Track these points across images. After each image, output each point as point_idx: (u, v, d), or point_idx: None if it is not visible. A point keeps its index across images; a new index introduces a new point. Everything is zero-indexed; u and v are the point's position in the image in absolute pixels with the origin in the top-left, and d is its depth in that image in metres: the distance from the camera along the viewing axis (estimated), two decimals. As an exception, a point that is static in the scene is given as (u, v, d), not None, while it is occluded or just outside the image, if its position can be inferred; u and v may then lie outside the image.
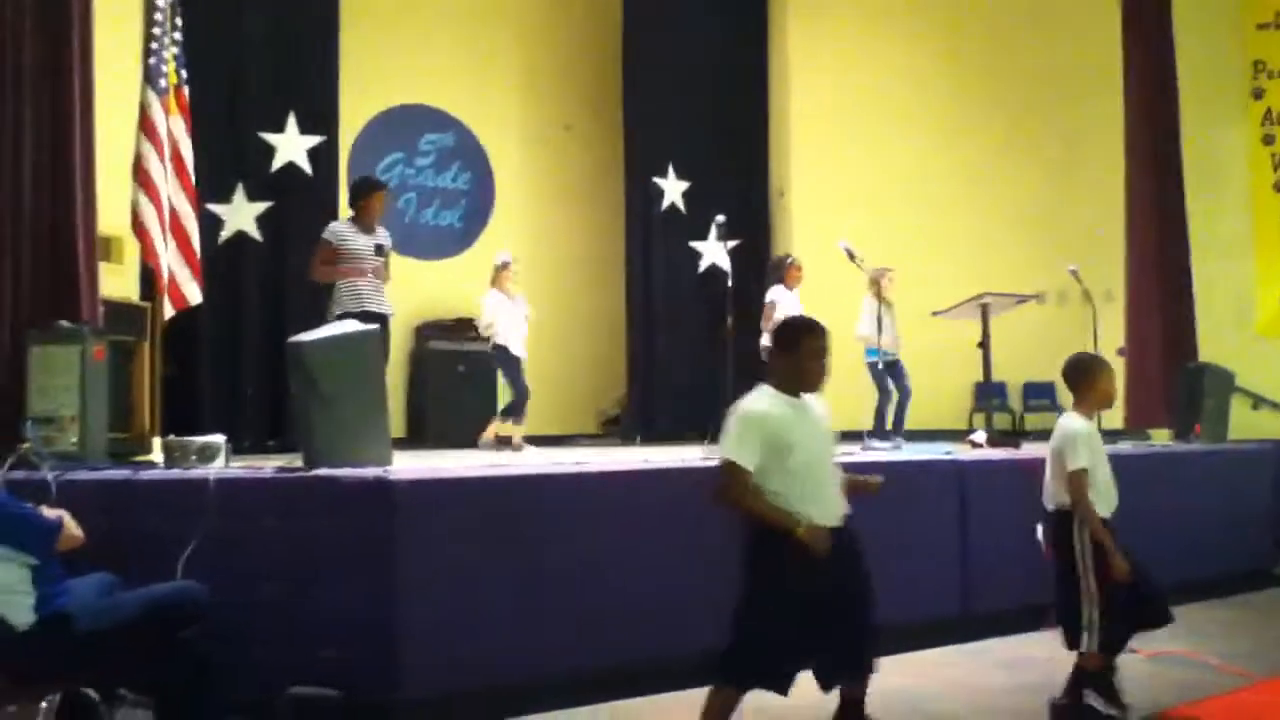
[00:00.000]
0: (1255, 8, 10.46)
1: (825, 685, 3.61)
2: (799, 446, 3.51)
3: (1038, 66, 10.65)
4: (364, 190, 7.00)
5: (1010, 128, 10.66)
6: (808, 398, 3.67)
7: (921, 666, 5.01)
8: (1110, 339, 8.89)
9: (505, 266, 8.28)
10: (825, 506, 3.54)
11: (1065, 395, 4.48)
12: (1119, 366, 8.39)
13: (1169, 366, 8.97)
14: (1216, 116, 10.27)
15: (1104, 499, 4.18)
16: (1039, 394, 10.52)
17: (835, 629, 3.51)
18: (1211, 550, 6.79)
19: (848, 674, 3.66)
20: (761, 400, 3.62)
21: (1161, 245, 9.59)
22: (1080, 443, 4.12)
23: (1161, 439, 8.46)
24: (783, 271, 8.54)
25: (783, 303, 8.33)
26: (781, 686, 3.49)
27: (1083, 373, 4.31)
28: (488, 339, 8.26)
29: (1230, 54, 10.45)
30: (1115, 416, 8.18)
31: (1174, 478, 6.85)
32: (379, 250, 6.85)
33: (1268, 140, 10.43)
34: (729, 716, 3.51)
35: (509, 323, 8.18)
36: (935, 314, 8.28)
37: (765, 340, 8.10)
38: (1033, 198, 10.49)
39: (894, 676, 4.43)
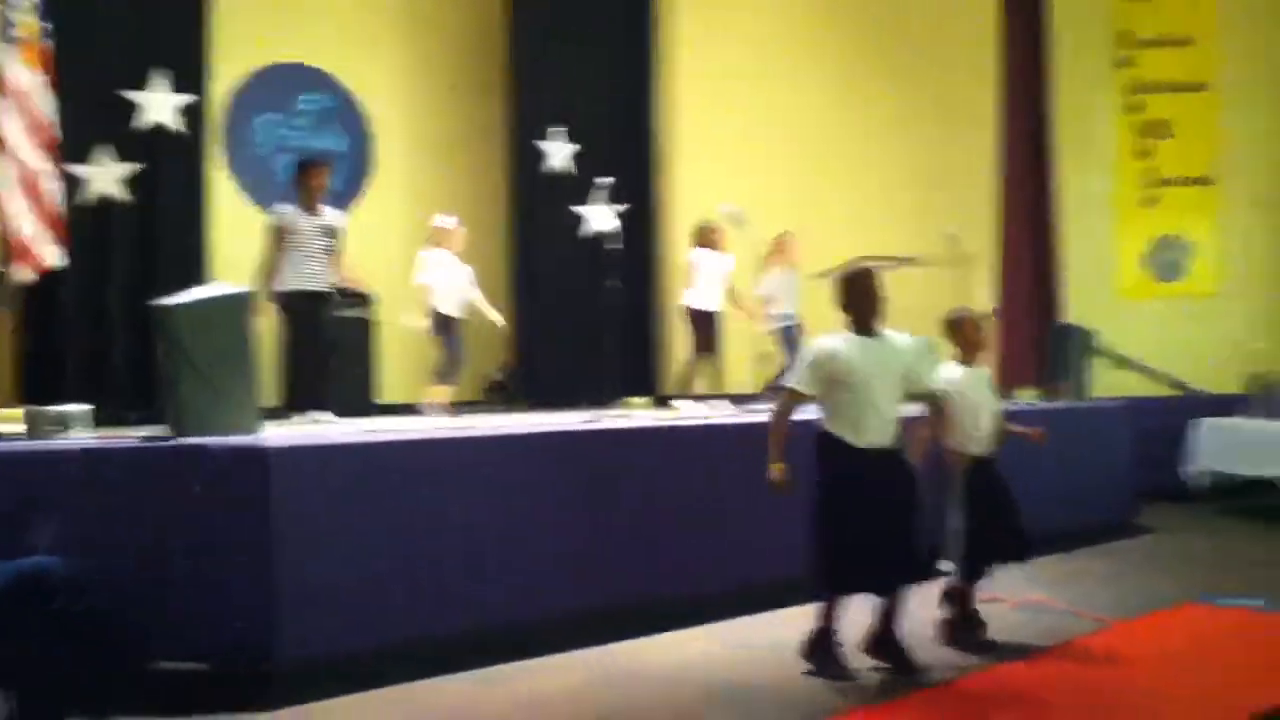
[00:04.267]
0: (1123, -21, 10.82)
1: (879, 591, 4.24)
2: (856, 377, 4.15)
3: (919, 33, 10.82)
4: (300, 168, 7.06)
5: (890, 92, 10.83)
6: (886, 336, 4.26)
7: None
8: (983, 301, 9.17)
9: (454, 228, 8.30)
10: (872, 430, 4.17)
11: (940, 354, 4.80)
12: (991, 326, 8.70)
13: (1037, 327, 9.31)
14: (1085, 84, 10.61)
15: (975, 440, 4.71)
16: (917, 355, 10.77)
17: (884, 538, 4.09)
18: (1075, 503, 7.10)
19: (896, 580, 4.21)
20: (831, 339, 4.27)
21: (1032, 209, 9.94)
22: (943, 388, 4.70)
23: (1027, 397, 8.77)
24: (707, 235, 8.53)
25: (702, 264, 8.39)
26: (865, 586, 4.20)
27: (950, 327, 4.86)
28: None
29: (1098, 23, 10.79)
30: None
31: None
32: (328, 232, 6.84)
33: (1132, 108, 10.82)
34: (834, 620, 4.25)
35: (449, 284, 8.16)
36: (819, 275, 8.42)
37: (686, 299, 8.28)
38: (912, 162, 10.68)
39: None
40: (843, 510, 4.14)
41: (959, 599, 4.77)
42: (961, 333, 4.82)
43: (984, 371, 4.90)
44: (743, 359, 8.49)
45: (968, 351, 4.80)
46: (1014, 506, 4.75)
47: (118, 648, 3.77)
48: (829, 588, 4.25)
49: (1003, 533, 4.68)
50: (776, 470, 4.21)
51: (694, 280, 8.31)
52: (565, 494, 5.03)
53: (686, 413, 7.53)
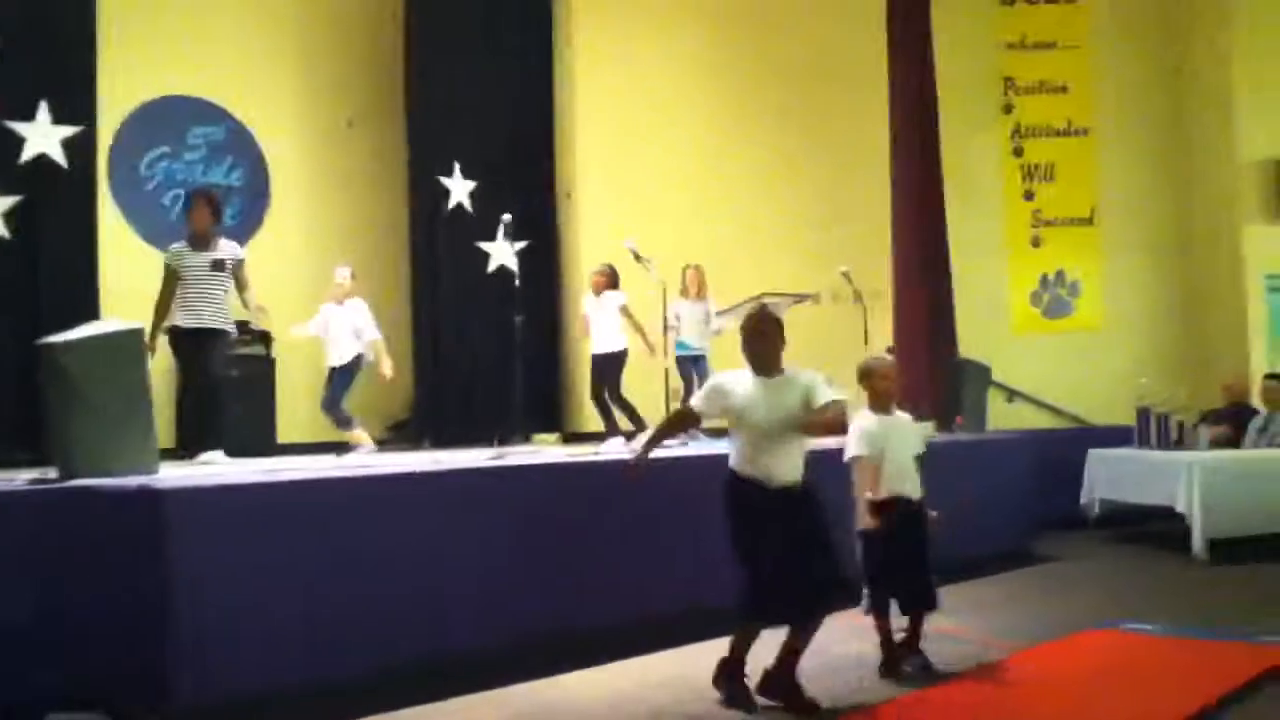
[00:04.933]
0: (1005, 29, 11.26)
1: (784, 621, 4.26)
2: (748, 415, 4.23)
3: (812, 73, 11.06)
4: (186, 204, 6.87)
5: (786, 131, 11.03)
6: (785, 375, 4.29)
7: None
8: (880, 337, 9.36)
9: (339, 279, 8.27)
10: (771, 467, 4.22)
11: (838, 390, 4.85)
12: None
13: (932, 361, 9.52)
14: (972, 128, 10.99)
15: (893, 480, 4.77)
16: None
17: (785, 572, 4.13)
18: (975, 533, 7.22)
19: (791, 617, 4.23)
20: (732, 375, 4.37)
21: (924, 247, 10.18)
22: (856, 436, 4.77)
23: (925, 431, 8.93)
24: (595, 280, 8.58)
25: (588, 310, 8.55)
26: (773, 617, 4.23)
27: (863, 375, 4.96)
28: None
29: (984, 71, 11.20)
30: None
31: (940, 466, 7.23)
32: (217, 266, 6.68)
33: (1017, 152, 11.23)
34: (743, 651, 4.29)
35: (333, 336, 8.16)
36: (716, 314, 8.55)
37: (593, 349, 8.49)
38: (808, 200, 10.90)
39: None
40: (748, 545, 4.20)
41: (879, 631, 4.80)
42: (871, 381, 4.90)
43: (901, 418, 4.95)
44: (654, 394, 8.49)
45: (881, 399, 4.88)
46: (924, 556, 4.78)
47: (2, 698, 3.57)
48: (740, 617, 4.28)
49: (914, 580, 4.74)
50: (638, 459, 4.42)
51: (586, 329, 8.50)
52: (473, 531, 4.94)
53: (607, 450, 7.50)
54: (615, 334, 8.41)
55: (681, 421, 4.62)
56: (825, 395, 4.24)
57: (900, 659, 4.80)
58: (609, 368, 8.42)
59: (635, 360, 8.48)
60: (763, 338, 4.33)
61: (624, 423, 8.32)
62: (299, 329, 8.21)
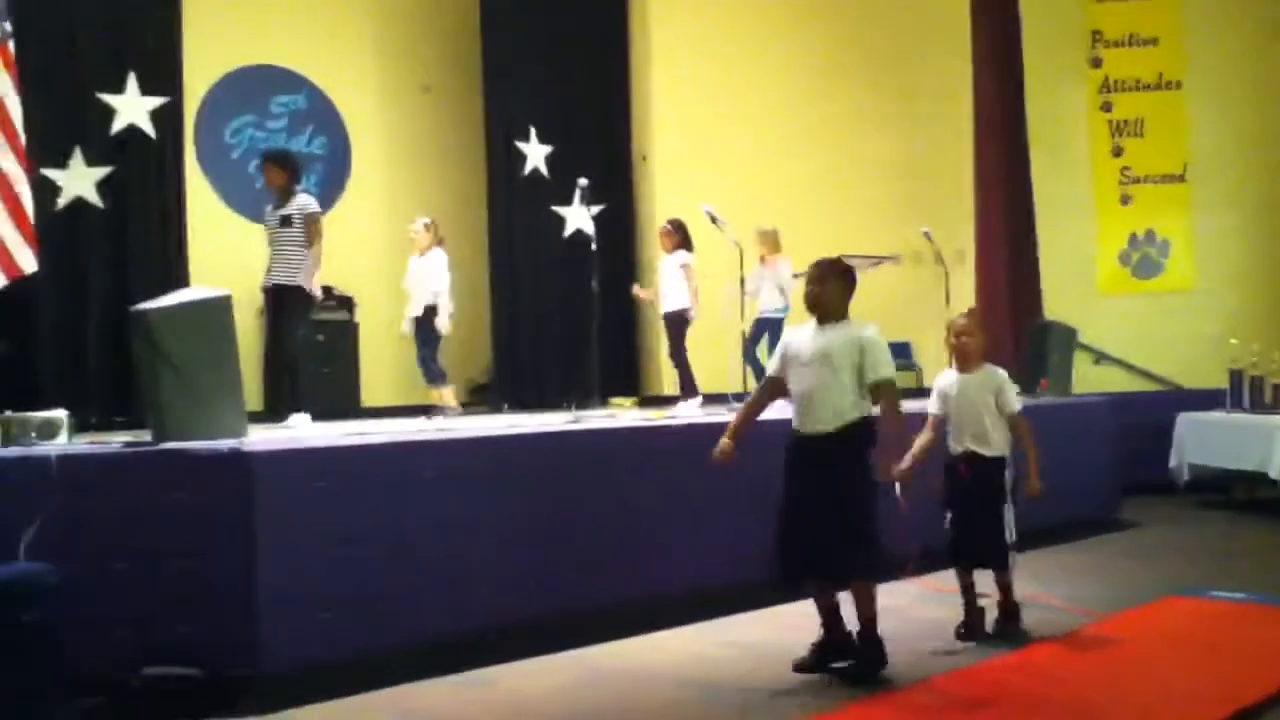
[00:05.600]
0: (1093, -20, 10.91)
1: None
2: (799, 362, 4.22)
3: (893, 31, 10.87)
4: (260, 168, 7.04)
5: (866, 92, 10.86)
6: (843, 326, 4.22)
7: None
8: (962, 298, 9.21)
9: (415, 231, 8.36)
10: (809, 415, 4.17)
11: (920, 353, 4.82)
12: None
13: (1016, 324, 9.35)
14: (1058, 84, 10.70)
15: (964, 437, 4.81)
16: (896, 353, 10.78)
17: (800, 529, 4.10)
18: (1057, 499, 7.09)
19: (812, 576, 4.21)
20: (795, 328, 4.42)
21: (1008, 207, 9.99)
22: (932, 393, 5.00)
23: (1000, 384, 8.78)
24: (663, 239, 8.62)
25: (660, 267, 8.62)
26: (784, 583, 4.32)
27: (946, 332, 5.00)
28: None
29: (1071, 24, 10.87)
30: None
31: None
32: (285, 221, 6.88)
33: (1105, 107, 10.91)
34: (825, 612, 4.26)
35: (413, 289, 8.24)
36: (795, 276, 8.44)
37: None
38: (889, 161, 10.73)
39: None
40: (780, 495, 4.19)
41: (961, 589, 4.83)
42: (947, 338, 4.99)
43: (975, 376, 4.87)
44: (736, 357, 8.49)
45: (957, 356, 4.90)
46: (995, 514, 4.70)
47: (60, 663, 3.66)
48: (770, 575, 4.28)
49: (983, 537, 4.70)
50: (721, 441, 4.28)
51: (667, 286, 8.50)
52: (551, 495, 5.00)
53: (679, 413, 7.50)
54: (677, 293, 8.40)
55: (767, 393, 4.43)
56: (879, 363, 4.15)
57: (980, 622, 4.77)
58: (671, 327, 8.43)
59: (715, 324, 8.46)
60: (815, 282, 4.27)
61: (674, 387, 8.33)
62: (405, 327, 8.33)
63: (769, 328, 8.51)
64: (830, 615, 4.25)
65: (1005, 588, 4.83)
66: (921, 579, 5.16)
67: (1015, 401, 4.85)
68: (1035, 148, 10.23)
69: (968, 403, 4.82)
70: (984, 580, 4.83)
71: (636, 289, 9.15)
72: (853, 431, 4.13)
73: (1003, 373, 4.93)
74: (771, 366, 4.43)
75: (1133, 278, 10.73)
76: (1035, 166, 10.21)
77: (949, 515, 4.77)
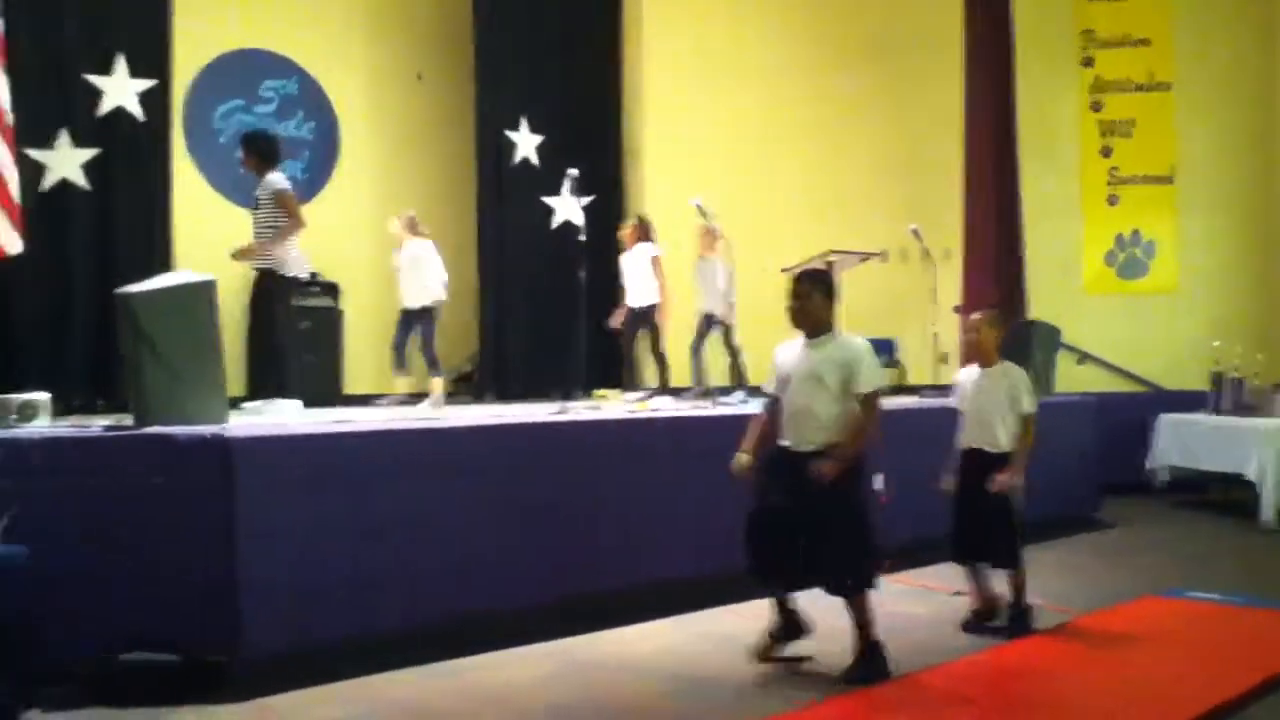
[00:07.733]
0: (1085, -21, 10.92)
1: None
2: (784, 378, 4.26)
3: (884, 27, 10.86)
4: None
5: (857, 88, 10.86)
6: (829, 340, 4.22)
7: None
8: (948, 297, 9.23)
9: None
10: (792, 431, 4.20)
11: (905, 350, 4.84)
12: (955, 323, 8.75)
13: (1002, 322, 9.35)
14: (1049, 83, 10.71)
15: (970, 433, 4.96)
16: (880, 351, 10.82)
17: (772, 536, 4.16)
18: (1039, 496, 7.13)
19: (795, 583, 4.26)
20: (785, 343, 4.36)
21: (996, 206, 10.02)
22: (956, 389, 5.15)
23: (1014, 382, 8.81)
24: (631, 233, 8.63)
25: (623, 264, 8.62)
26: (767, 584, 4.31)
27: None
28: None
29: (1062, 23, 10.88)
30: (952, 371, 8.51)
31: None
32: (254, 203, 6.76)
33: (1095, 107, 10.92)
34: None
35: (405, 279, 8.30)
36: (784, 270, 8.42)
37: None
38: (878, 157, 10.74)
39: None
40: (755, 501, 4.23)
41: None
42: (960, 336, 4.94)
43: (988, 372, 4.94)
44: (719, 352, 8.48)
45: (967, 352, 5.06)
46: (1001, 511, 4.76)
47: (35, 647, 3.65)
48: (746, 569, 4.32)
49: (988, 533, 4.78)
50: (738, 457, 4.26)
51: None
52: (534, 485, 5.00)
53: (658, 406, 7.50)
54: (647, 288, 8.39)
55: (771, 413, 4.35)
56: (866, 379, 4.13)
57: (986, 616, 4.89)
58: (643, 321, 8.42)
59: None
60: (798, 298, 4.26)
61: (655, 379, 8.33)
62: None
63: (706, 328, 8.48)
64: (784, 603, 4.34)
65: (1019, 588, 4.87)
66: (899, 576, 5.20)
67: (1030, 403, 4.86)
68: (1025, 147, 10.25)
69: (985, 398, 4.90)
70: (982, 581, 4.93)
71: (612, 321, 8.76)
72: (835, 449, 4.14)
73: (1020, 371, 4.97)
74: (768, 386, 4.43)
75: (1118, 278, 10.76)
76: (1024, 165, 10.23)
77: (955, 511, 4.87)
